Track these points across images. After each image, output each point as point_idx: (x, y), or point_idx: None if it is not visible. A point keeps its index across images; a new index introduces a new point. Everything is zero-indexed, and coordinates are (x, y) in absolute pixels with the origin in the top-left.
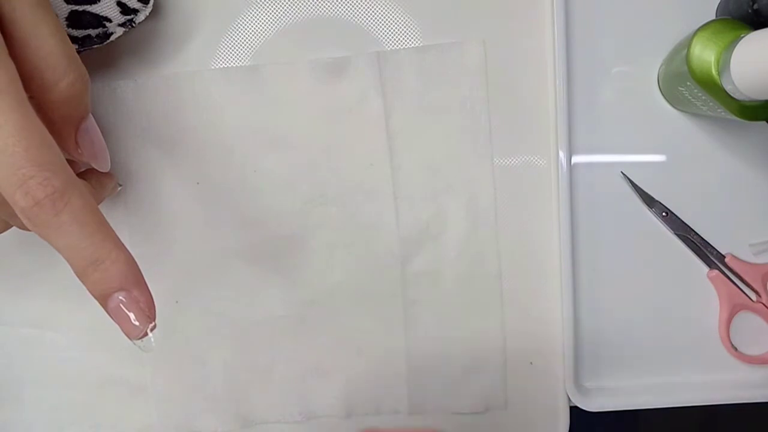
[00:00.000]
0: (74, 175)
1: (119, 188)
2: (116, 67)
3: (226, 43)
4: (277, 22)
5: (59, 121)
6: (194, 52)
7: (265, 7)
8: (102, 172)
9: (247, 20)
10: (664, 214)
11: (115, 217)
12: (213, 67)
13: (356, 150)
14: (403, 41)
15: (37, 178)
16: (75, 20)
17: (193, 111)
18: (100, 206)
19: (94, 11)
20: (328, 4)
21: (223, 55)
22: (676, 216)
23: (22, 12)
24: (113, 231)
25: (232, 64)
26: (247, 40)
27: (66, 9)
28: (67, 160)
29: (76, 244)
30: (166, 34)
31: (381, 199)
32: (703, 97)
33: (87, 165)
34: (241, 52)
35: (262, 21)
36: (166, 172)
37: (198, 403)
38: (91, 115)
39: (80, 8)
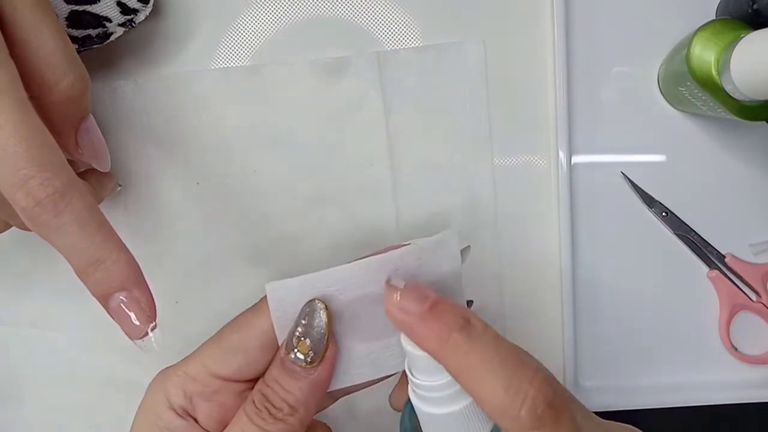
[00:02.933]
0: (75, 175)
1: (119, 188)
2: (116, 67)
3: (226, 43)
4: (277, 22)
5: (59, 122)
6: (194, 52)
7: (265, 7)
8: (102, 172)
9: (247, 20)
10: (664, 214)
11: (115, 217)
12: (213, 67)
13: (356, 150)
14: (403, 41)
15: (37, 178)
16: (75, 20)
17: (193, 111)
18: (100, 206)
19: (94, 11)
20: (328, 4)
21: (223, 55)
22: (676, 216)
23: (22, 12)
24: (114, 231)
25: (232, 64)
26: (247, 40)
27: (66, 9)
28: (68, 160)
29: (76, 245)
30: (166, 34)
31: (381, 199)
32: (703, 97)
33: (87, 165)
34: (241, 52)
35: (262, 21)
36: (166, 172)
37: None
38: (91, 115)
39: (80, 8)
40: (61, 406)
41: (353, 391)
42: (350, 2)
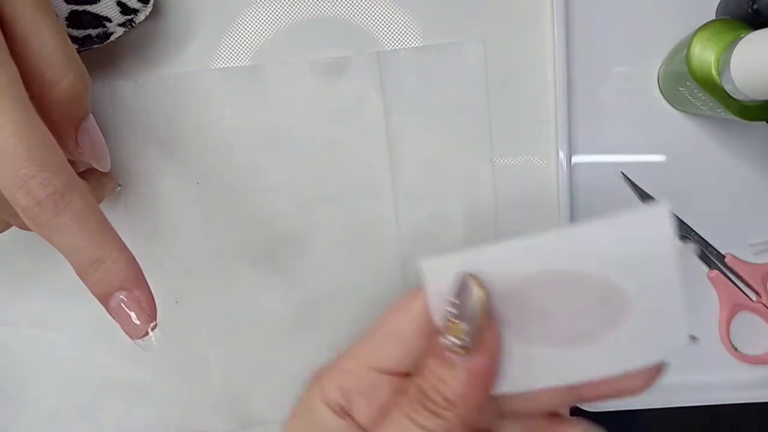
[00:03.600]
0: (75, 175)
1: (119, 188)
2: (116, 67)
3: (226, 43)
4: (277, 22)
5: (59, 121)
6: (194, 52)
7: (265, 7)
8: (102, 172)
9: (247, 20)
10: None
11: (115, 217)
12: (213, 67)
13: (356, 150)
14: (403, 41)
15: (38, 178)
16: (75, 20)
17: (193, 111)
18: (99, 206)
19: (94, 11)
20: (328, 4)
21: (223, 55)
22: (676, 216)
23: (22, 12)
24: (114, 231)
25: (232, 64)
26: (247, 40)
27: (66, 9)
28: (68, 160)
29: (77, 244)
30: (166, 34)
31: (381, 199)
32: (703, 97)
33: (87, 165)
34: (241, 52)
35: (262, 21)
36: (166, 172)
37: (198, 403)
38: (91, 115)
39: (80, 8)
40: (61, 406)
41: (548, 408)
42: (350, 2)
